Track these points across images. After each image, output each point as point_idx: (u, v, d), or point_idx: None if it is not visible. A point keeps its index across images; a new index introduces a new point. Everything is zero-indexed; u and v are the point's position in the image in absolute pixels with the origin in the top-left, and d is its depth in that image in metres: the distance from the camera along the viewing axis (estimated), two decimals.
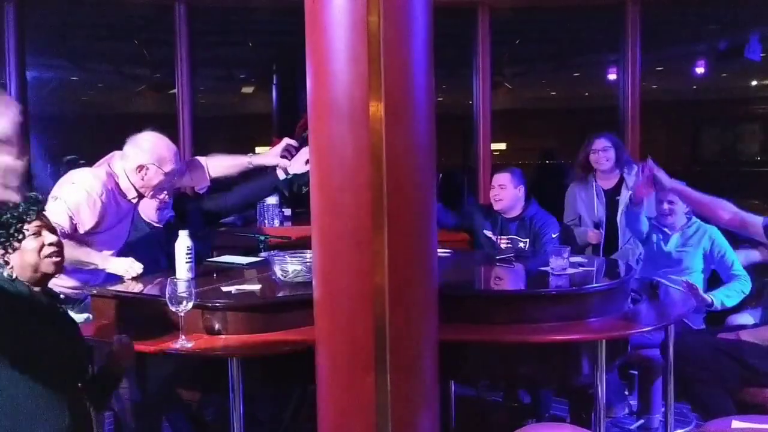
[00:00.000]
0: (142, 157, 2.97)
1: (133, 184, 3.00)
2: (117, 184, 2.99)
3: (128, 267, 2.87)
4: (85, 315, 2.99)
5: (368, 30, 1.91)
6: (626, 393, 3.86)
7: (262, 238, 3.80)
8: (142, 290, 2.77)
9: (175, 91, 5.01)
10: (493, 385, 3.91)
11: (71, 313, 2.92)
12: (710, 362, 2.98)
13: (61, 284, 2.77)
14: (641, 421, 3.61)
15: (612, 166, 4.14)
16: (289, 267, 2.72)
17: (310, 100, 2.04)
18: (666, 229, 3.69)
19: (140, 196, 3.05)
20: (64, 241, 2.75)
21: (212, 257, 3.56)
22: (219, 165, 3.44)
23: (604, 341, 2.47)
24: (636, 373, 3.73)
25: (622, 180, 4.16)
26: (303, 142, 4.70)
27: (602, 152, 4.12)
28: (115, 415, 3.00)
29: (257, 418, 3.16)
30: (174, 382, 2.69)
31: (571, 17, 6.19)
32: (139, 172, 2.97)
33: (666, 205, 3.65)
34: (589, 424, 2.75)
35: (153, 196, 3.15)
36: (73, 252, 2.84)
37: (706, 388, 2.94)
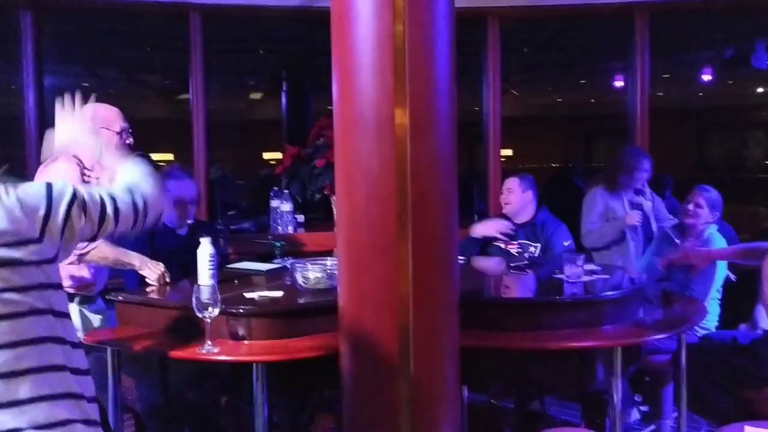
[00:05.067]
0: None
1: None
2: (83, 166, 2.94)
3: (161, 274, 2.94)
4: (100, 316, 3.06)
5: (394, 40, 1.98)
6: (636, 398, 3.91)
7: (279, 244, 3.86)
8: (166, 297, 2.84)
9: (187, 96, 5.08)
10: (506, 391, 3.96)
11: (86, 312, 3.02)
12: (714, 364, 3.06)
13: (78, 274, 2.85)
14: (652, 427, 3.66)
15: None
16: (311, 274, 2.77)
17: (336, 113, 2.10)
18: (678, 241, 3.76)
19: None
20: (102, 241, 2.82)
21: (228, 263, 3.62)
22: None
23: (620, 348, 2.52)
24: (647, 379, 3.77)
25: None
26: (316, 150, 4.79)
27: (648, 173, 4.23)
28: (136, 418, 3.07)
29: (274, 422, 3.21)
30: (196, 387, 2.75)
31: (578, 25, 6.25)
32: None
33: (692, 207, 3.71)
34: (604, 429, 2.80)
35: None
36: (112, 251, 2.92)
37: (709, 390, 3.02)
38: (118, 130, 3.02)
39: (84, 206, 1.59)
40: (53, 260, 1.55)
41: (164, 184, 1.97)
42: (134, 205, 1.69)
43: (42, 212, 1.52)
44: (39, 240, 1.51)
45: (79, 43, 6.82)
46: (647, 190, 4.31)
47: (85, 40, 6.75)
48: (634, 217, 4.11)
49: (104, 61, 8.00)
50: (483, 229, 4.01)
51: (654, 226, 4.25)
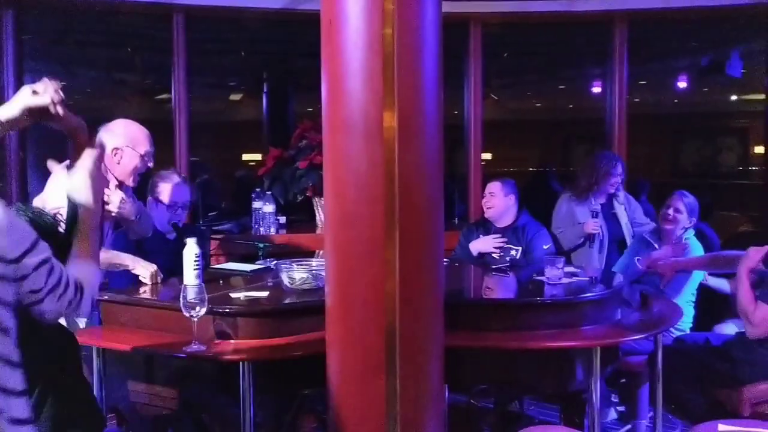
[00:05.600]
0: (116, 141, 3.03)
1: (109, 170, 3.00)
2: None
3: (154, 272, 2.97)
4: (86, 318, 3.06)
5: (383, 45, 2.02)
6: (613, 399, 3.98)
7: (262, 245, 3.88)
8: (153, 296, 2.85)
9: (166, 97, 5.08)
10: (485, 391, 4.01)
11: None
12: (688, 364, 3.14)
13: None
14: (628, 427, 3.73)
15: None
16: (296, 274, 2.80)
17: (325, 116, 2.14)
18: (656, 245, 3.84)
19: (118, 184, 3.08)
20: None
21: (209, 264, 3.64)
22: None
23: (599, 348, 2.58)
24: (623, 380, 3.84)
25: (611, 196, 4.33)
26: (299, 152, 4.81)
27: (620, 177, 4.31)
28: (119, 417, 3.07)
29: (258, 422, 3.23)
30: (182, 386, 2.76)
31: (557, 31, 6.33)
32: (115, 155, 3.03)
33: (671, 212, 3.79)
34: (582, 428, 2.86)
35: (130, 181, 3.15)
36: (103, 254, 2.92)
37: (683, 390, 3.10)
38: (142, 152, 3.07)
39: (50, 271, 1.52)
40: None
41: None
42: (69, 302, 1.59)
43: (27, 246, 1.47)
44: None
45: (58, 43, 6.77)
46: (622, 193, 4.39)
47: (65, 39, 6.70)
48: (591, 226, 4.17)
49: (84, 61, 7.95)
50: (481, 245, 4.06)
51: (626, 230, 4.32)
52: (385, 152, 2.03)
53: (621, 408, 3.90)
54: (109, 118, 3.19)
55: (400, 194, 2.04)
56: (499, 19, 5.27)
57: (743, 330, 3.30)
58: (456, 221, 5.36)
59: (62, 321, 2.06)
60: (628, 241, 4.28)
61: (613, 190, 4.33)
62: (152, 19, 5.38)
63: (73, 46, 7.09)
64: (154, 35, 5.97)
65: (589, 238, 4.20)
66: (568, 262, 4.04)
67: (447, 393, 3.59)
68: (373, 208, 2.04)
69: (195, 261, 2.88)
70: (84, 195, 1.72)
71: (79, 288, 1.61)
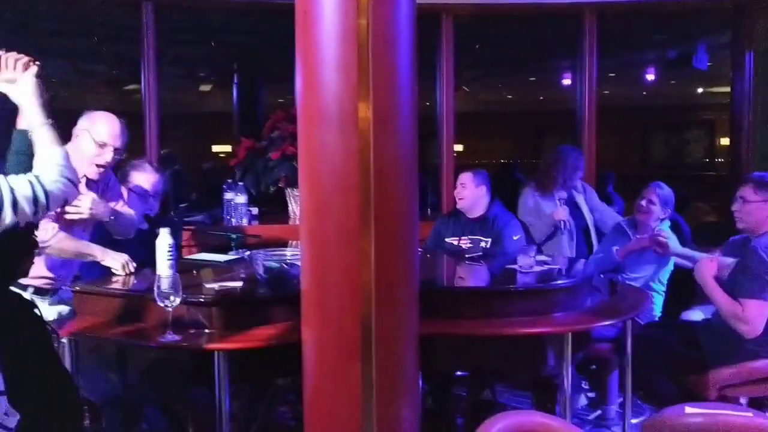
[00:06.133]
0: (79, 125, 2.99)
1: (89, 161, 2.95)
2: None
3: (125, 263, 2.93)
4: (60, 307, 3.04)
5: (357, 36, 2.03)
6: (584, 386, 4.05)
7: (234, 236, 3.87)
8: (126, 286, 2.84)
9: (134, 87, 5.03)
10: (459, 379, 4.06)
11: (45, 306, 2.99)
12: (656, 351, 3.21)
13: (38, 274, 2.83)
14: (598, 412, 3.81)
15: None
16: (270, 264, 2.80)
17: (300, 107, 2.14)
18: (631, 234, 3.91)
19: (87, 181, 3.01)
20: (63, 235, 2.81)
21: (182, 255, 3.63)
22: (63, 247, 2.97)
23: (570, 334, 2.63)
24: (593, 366, 3.92)
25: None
26: (271, 143, 4.80)
27: (583, 170, 4.39)
28: (92, 409, 3.05)
29: (233, 413, 3.23)
30: (154, 376, 2.76)
31: (528, 24, 6.39)
32: (74, 139, 2.96)
33: (645, 203, 3.86)
34: (554, 413, 2.92)
35: (92, 173, 3.06)
36: (73, 244, 2.89)
37: (652, 376, 3.17)
38: (99, 141, 2.95)
39: None
40: None
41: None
42: (35, 199, 1.71)
43: None
44: None
45: (24, 31, 6.65)
46: (579, 182, 4.46)
47: (31, 28, 6.59)
48: (560, 213, 4.24)
49: (50, 51, 7.82)
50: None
51: (587, 218, 4.38)
52: (360, 142, 2.04)
53: (591, 394, 3.97)
54: (78, 109, 3.15)
55: (375, 184, 2.05)
56: (471, 11, 5.30)
57: (710, 317, 3.39)
58: (429, 212, 5.41)
59: (37, 311, 2.05)
60: (591, 228, 4.34)
61: (579, 183, 4.39)
62: (121, 8, 5.32)
63: (40, 35, 6.97)
64: (121, 24, 5.90)
65: (559, 226, 4.26)
66: (540, 253, 4.12)
67: (420, 381, 3.69)
68: (348, 197, 2.06)
69: (168, 251, 2.88)
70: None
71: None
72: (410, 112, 2.14)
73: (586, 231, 4.40)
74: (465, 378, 3.96)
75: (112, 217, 3.02)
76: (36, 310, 2.04)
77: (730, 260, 3.24)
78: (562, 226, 4.25)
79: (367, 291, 2.07)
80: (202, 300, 2.57)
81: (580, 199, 4.43)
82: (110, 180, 3.16)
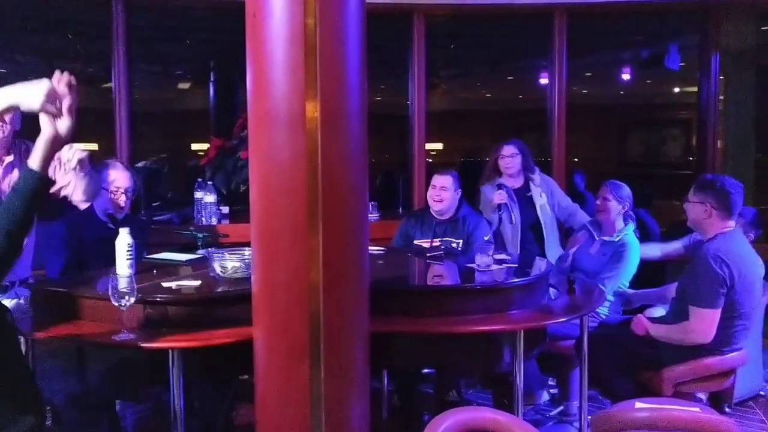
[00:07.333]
0: None
1: None
2: None
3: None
4: (15, 300, 3.03)
5: (305, 37, 2.05)
6: (550, 382, 4.10)
7: (201, 235, 3.88)
8: (86, 286, 2.84)
9: (110, 85, 5.01)
10: (425, 378, 4.09)
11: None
12: (614, 348, 3.27)
13: None
14: (560, 408, 3.86)
15: (519, 170, 4.42)
16: (228, 264, 2.82)
17: (250, 108, 2.16)
18: (596, 236, 3.95)
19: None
20: None
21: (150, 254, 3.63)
22: None
23: (522, 331, 2.67)
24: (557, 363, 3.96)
25: (527, 180, 4.43)
26: (241, 142, 4.81)
27: (510, 158, 4.39)
28: (53, 410, 3.05)
29: (195, 409, 3.25)
30: (113, 375, 2.76)
31: (505, 23, 6.43)
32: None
33: (600, 201, 3.90)
34: (511, 409, 2.95)
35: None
36: None
37: (610, 374, 3.23)
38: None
39: None
40: None
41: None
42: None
43: None
44: None
45: None
46: (537, 175, 4.45)
47: (4, 25, 6.55)
48: (497, 197, 4.28)
49: (25, 48, 7.77)
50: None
51: (540, 213, 4.39)
52: (308, 142, 2.06)
53: (554, 390, 4.02)
54: None
55: (323, 184, 2.08)
56: (442, 10, 5.33)
57: (664, 315, 3.46)
58: (400, 211, 5.43)
59: (8, 316, 2.04)
60: (543, 225, 4.36)
61: (510, 171, 4.40)
62: (92, 5, 5.31)
63: (13, 33, 6.93)
64: (96, 22, 5.87)
65: (506, 216, 4.29)
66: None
67: (387, 381, 3.72)
68: (296, 197, 2.08)
69: (128, 251, 2.89)
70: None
71: None
72: (359, 111, 2.17)
73: (536, 227, 4.41)
74: (432, 376, 4.00)
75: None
76: (7, 315, 2.04)
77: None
78: (500, 210, 4.29)
79: (315, 290, 2.09)
80: (158, 299, 2.58)
81: (536, 193, 4.42)
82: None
